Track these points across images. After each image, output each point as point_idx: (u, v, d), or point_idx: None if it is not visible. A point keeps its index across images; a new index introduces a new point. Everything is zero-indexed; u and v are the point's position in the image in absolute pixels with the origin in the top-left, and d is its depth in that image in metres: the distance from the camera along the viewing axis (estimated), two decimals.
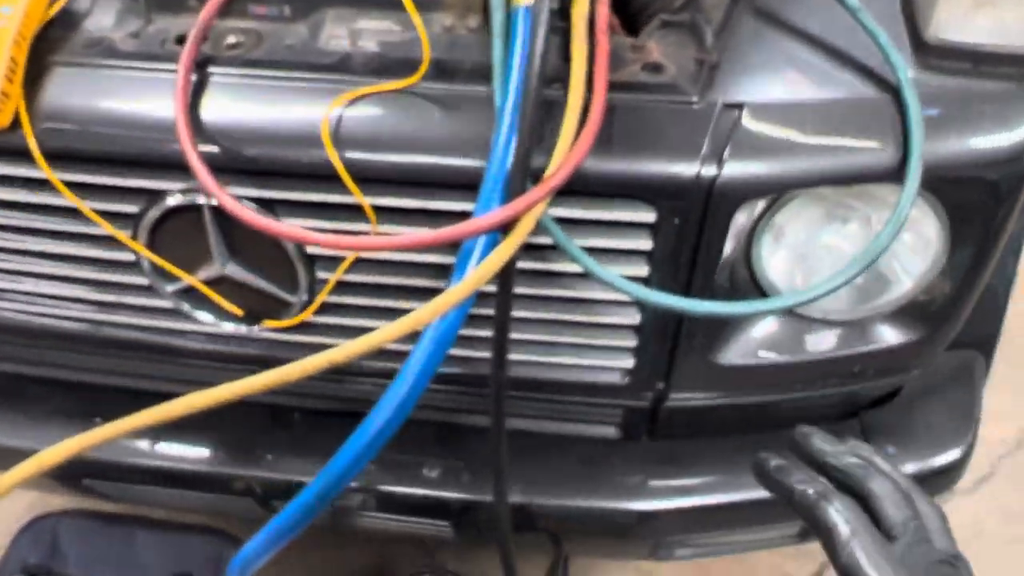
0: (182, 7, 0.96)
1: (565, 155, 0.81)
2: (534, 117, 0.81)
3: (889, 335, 1.02)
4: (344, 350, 0.79)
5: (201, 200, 0.91)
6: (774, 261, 0.96)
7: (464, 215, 0.89)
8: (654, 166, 0.85)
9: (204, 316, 1.01)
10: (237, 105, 0.88)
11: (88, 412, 1.14)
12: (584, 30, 0.86)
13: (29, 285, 1.05)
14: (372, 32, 0.93)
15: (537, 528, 1.14)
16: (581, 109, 0.83)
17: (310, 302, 0.98)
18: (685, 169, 0.84)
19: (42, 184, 0.93)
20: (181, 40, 0.94)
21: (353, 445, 0.83)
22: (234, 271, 0.96)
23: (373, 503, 1.13)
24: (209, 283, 0.98)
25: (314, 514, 0.84)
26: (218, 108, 0.88)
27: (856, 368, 1.05)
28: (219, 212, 0.92)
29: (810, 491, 0.64)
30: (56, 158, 0.90)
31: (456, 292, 0.77)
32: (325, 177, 0.88)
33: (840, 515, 0.62)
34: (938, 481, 1.16)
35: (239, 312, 0.99)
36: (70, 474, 1.17)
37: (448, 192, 0.88)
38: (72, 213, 0.95)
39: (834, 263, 0.95)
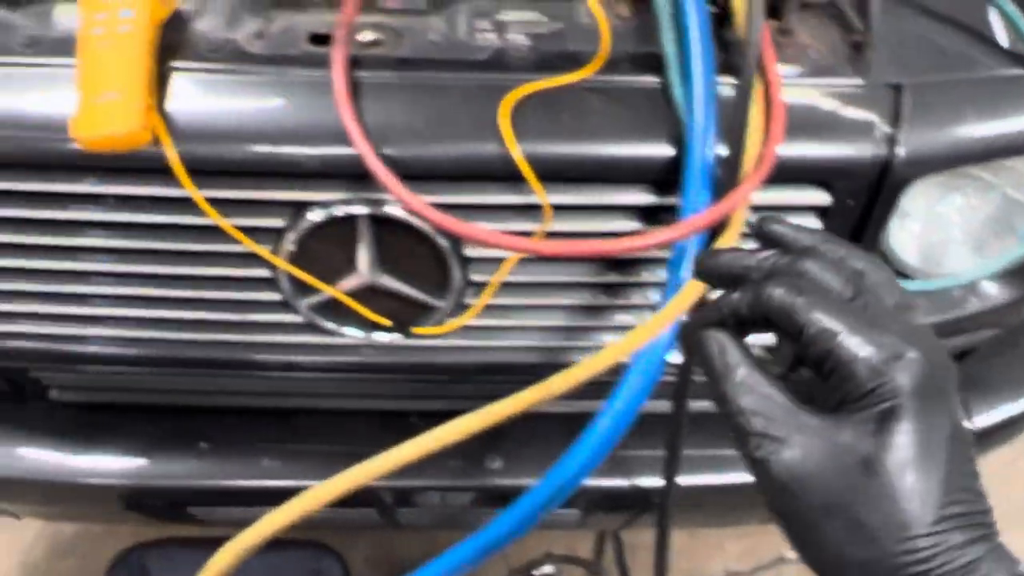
0: (306, 2, 0.90)
1: (761, 145, 0.81)
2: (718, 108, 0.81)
3: (997, 292, 1.08)
4: (562, 380, 0.78)
5: (358, 210, 0.86)
6: (901, 236, 0.99)
7: (644, 210, 0.88)
8: (831, 149, 0.85)
9: (344, 328, 0.96)
10: (401, 108, 0.83)
11: (193, 436, 1.07)
12: (746, 16, 0.86)
13: (145, 310, 0.97)
14: (519, 24, 0.89)
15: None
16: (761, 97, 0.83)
17: (459, 305, 0.95)
18: (861, 151, 0.85)
19: (175, 203, 0.86)
20: (316, 39, 0.88)
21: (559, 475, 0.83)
22: (382, 280, 0.92)
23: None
24: (351, 294, 0.93)
25: (531, 524, 0.82)
26: (382, 112, 0.83)
27: (962, 326, 1.10)
28: (376, 221, 0.87)
29: (745, 293, 0.48)
30: (197, 173, 0.83)
31: (684, 297, 0.77)
32: (494, 177, 0.85)
33: (788, 289, 0.46)
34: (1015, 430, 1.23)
35: (386, 322, 0.94)
36: (176, 503, 1.11)
37: (626, 186, 0.86)
38: (206, 232, 0.88)
39: (956, 234, 0.99)
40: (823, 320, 0.44)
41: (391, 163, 0.81)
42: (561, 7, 0.90)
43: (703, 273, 0.53)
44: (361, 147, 0.80)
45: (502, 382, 1.08)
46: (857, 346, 0.43)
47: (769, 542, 1.90)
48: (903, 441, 0.41)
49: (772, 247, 0.51)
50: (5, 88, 0.84)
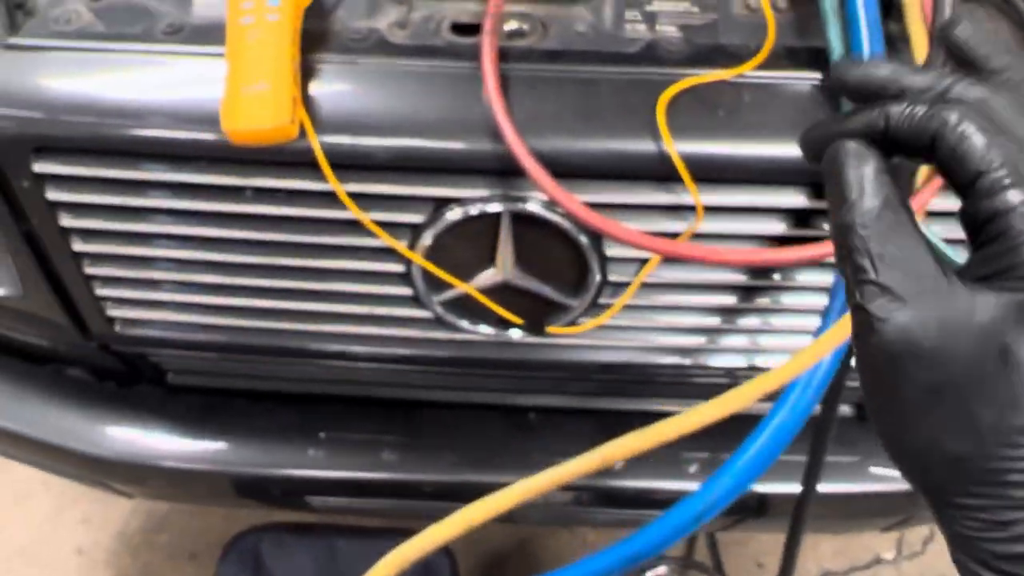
0: None
1: None
2: None
3: None
4: (713, 409, 0.76)
5: (501, 207, 0.84)
6: None
7: (799, 213, 0.84)
8: None
9: (475, 325, 0.95)
10: (550, 102, 0.81)
11: (313, 425, 1.07)
12: (917, 7, 0.81)
13: (275, 301, 0.96)
14: (670, 15, 0.85)
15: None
16: None
17: (593, 304, 0.92)
18: None
19: (313, 196, 0.85)
20: (458, 29, 0.85)
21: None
22: (519, 278, 0.90)
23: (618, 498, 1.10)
24: (485, 291, 0.91)
25: (683, 534, 0.80)
26: (530, 106, 0.80)
27: None
28: (517, 218, 0.85)
29: (915, 107, 0.38)
30: (338, 167, 0.81)
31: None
32: (646, 175, 0.82)
33: (972, 120, 0.37)
34: None
35: (519, 321, 0.92)
36: (294, 491, 1.11)
37: (782, 187, 0.82)
38: (341, 225, 0.87)
39: None
40: (1002, 171, 0.35)
41: (539, 159, 0.79)
42: None
43: (843, 85, 0.42)
44: (513, 142, 0.77)
45: (629, 380, 1.06)
46: None
47: (862, 542, 1.86)
48: None
49: (954, 62, 0.41)
50: (148, 76, 0.83)
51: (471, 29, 0.86)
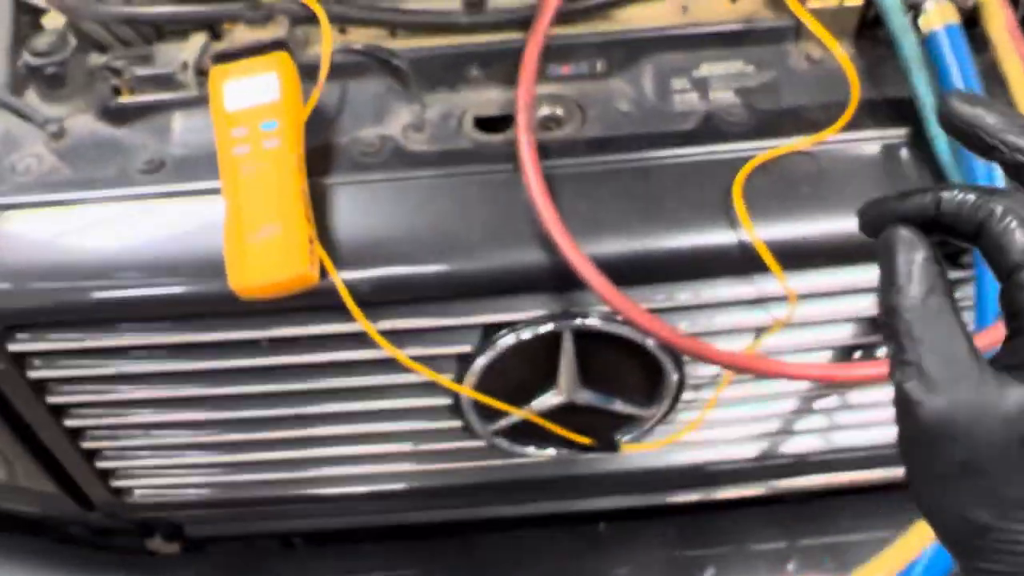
0: (460, 79, 0.76)
1: None
2: None
3: None
4: None
5: (560, 326, 0.72)
6: None
7: None
8: None
9: (536, 450, 0.83)
10: (604, 201, 0.69)
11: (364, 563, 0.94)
12: (1009, 43, 0.71)
13: (307, 450, 0.84)
14: (722, 79, 0.74)
15: None
16: None
17: (667, 413, 0.81)
18: None
19: (345, 338, 0.73)
20: (483, 124, 0.74)
21: None
22: (583, 397, 0.78)
23: None
24: (546, 414, 0.79)
25: None
26: (582, 208, 0.69)
27: None
28: (579, 335, 0.73)
29: (967, 194, 0.39)
30: (367, 305, 0.70)
31: None
32: (723, 269, 0.71)
33: (1016, 215, 0.38)
34: None
35: (586, 440, 0.81)
36: None
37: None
38: (376, 365, 0.75)
39: None
40: None
41: (600, 268, 0.68)
42: (768, 52, 0.75)
43: (953, 123, 0.40)
44: (569, 253, 0.65)
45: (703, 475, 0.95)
46: None
47: None
48: None
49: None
50: (131, 226, 0.71)
51: (498, 123, 0.74)
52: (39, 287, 0.70)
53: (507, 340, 0.72)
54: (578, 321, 0.72)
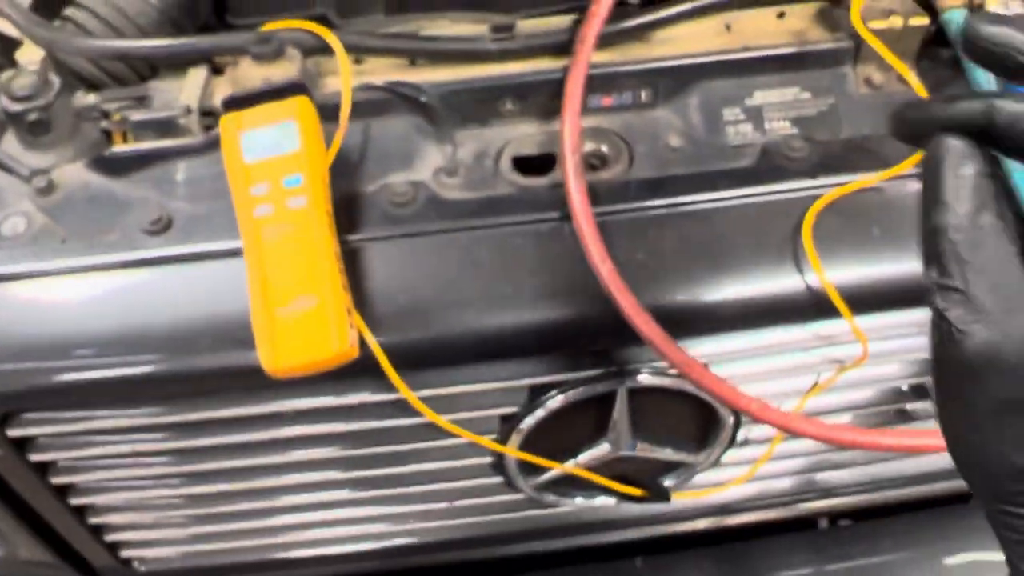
0: (492, 114, 0.69)
1: None
2: None
3: None
4: None
5: (610, 387, 0.67)
6: None
7: None
8: None
9: (579, 500, 0.78)
10: (668, 249, 0.63)
11: None
12: None
13: (332, 511, 0.78)
14: (776, 107, 0.69)
15: None
16: None
17: (719, 458, 0.76)
18: None
19: (379, 406, 0.67)
20: (523, 165, 0.67)
21: None
22: (634, 449, 0.73)
23: None
24: (594, 467, 0.74)
25: None
26: (644, 259, 0.63)
27: None
28: (634, 392, 0.68)
29: (1009, 102, 0.35)
30: (405, 369, 0.64)
31: None
32: (790, 315, 0.66)
33: None
34: None
35: (635, 491, 0.76)
36: None
37: None
38: (413, 430, 0.69)
39: None
40: None
41: (660, 322, 0.62)
42: (825, 77, 0.69)
43: (976, 47, 0.36)
44: (631, 312, 0.59)
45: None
46: None
47: None
48: None
49: None
50: (137, 296, 0.63)
51: (539, 163, 0.68)
52: (37, 366, 0.63)
53: (555, 402, 0.67)
54: (634, 379, 0.67)
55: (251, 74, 0.67)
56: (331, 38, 0.68)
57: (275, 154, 0.62)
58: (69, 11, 0.78)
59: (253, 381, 0.61)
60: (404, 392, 0.63)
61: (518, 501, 0.78)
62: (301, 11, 0.81)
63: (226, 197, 0.65)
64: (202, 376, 0.62)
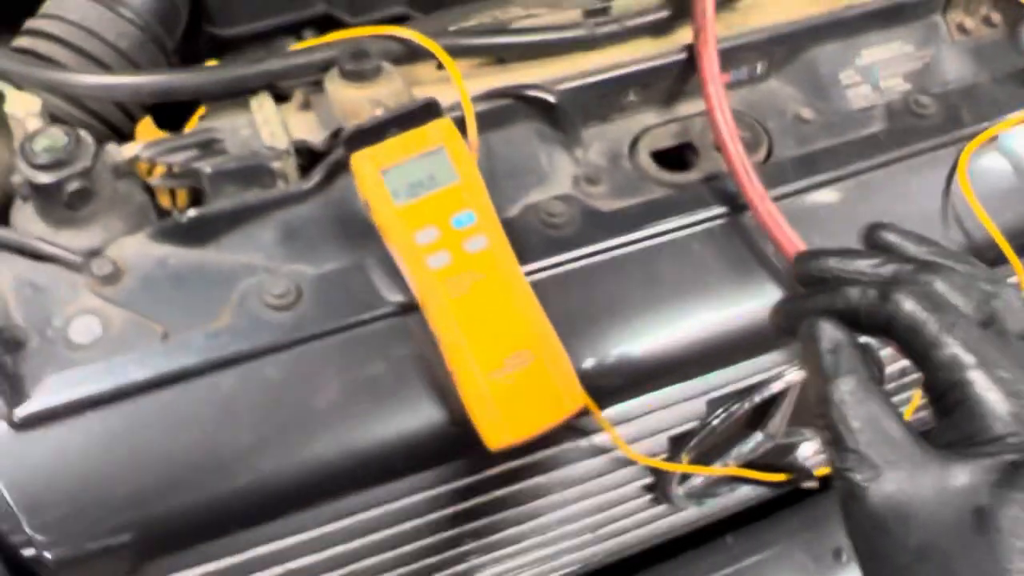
0: (614, 108, 0.62)
1: None
2: None
3: None
4: None
5: (788, 382, 0.63)
6: None
7: None
8: None
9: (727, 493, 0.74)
10: (839, 229, 0.59)
11: None
12: None
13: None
14: (886, 64, 0.66)
15: None
16: None
17: None
18: None
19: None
20: (664, 159, 0.61)
21: None
22: (789, 435, 0.70)
23: None
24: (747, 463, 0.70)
25: None
26: (821, 240, 0.59)
27: None
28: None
29: (868, 291, 0.42)
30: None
31: None
32: None
33: (919, 301, 0.41)
34: None
35: (787, 477, 0.73)
36: None
37: None
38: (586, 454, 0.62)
39: None
40: (956, 346, 0.39)
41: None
42: (920, 28, 0.68)
43: (803, 275, 0.48)
44: None
45: None
46: (992, 385, 0.39)
47: None
48: (1020, 498, 0.36)
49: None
50: (295, 386, 0.50)
51: (681, 155, 0.62)
52: (186, 499, 0.49)
53: (733, 409, 0.63)
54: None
55: (345, 97, 0.56)
56: (431, 44, 0.58)
57: (431, 191, 0.51)
58: (23, 41, 0.63)
59: (471, 457, 0.52)
60: (610, 433, 0.56)
61: (662, 510, 0.73)
62: (297, 11, 0.70)
63: (354, 250, 0.55)
64: (395, 465, 0.52)
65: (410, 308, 0.53)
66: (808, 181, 0.61)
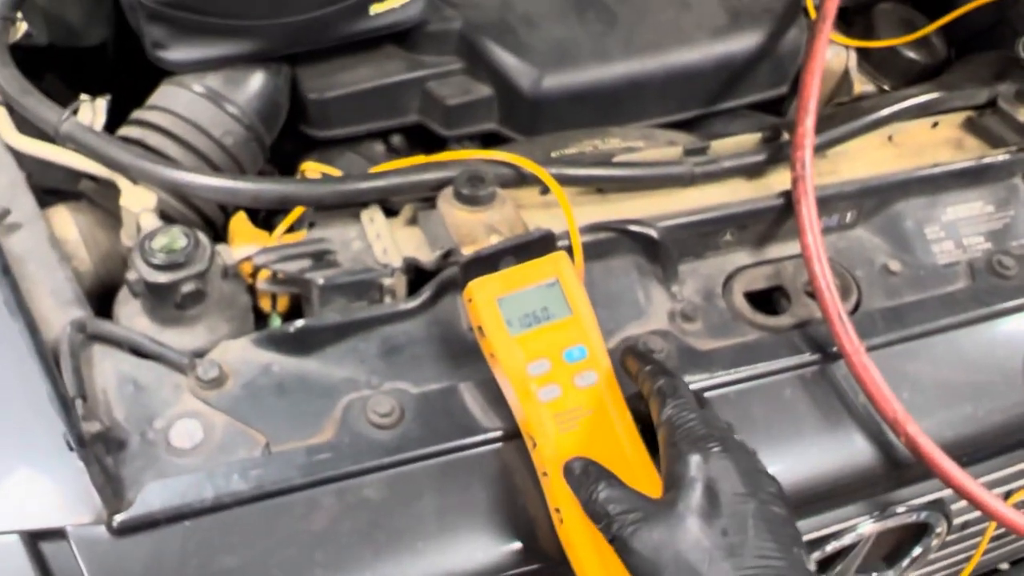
0: (710, 246, 0.63)
1: None
2: None
3: None
4: None
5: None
6: None
7: None
8: None
9: None
10: (927, 383, 0.60)
11: None
12: None
13: None
14: (968, 222, 0.68)
15: None
16: None
17: None
18: None
19: None
20: (761, 302, 0.62)
21: None
22: None
23: None
24: None
25: None
26: (908, 396, 0.59)
27: None
28: None
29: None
30: None
31: None
32: None
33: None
34: None
35: None
36: None
37: None
38: None
39: None
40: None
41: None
42: (1000, 188, 0.70)
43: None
44: (930, 452, 0.56)
45: None
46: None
47: None
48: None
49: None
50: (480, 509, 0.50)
51: (772, 297, 0.63)
52: None
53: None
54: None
55: (460, 220, 0.57)
56: (544, 175, 0.59)
57: (544, 323, 0.52)
58: (132, 131, 0.64)
59: None
60: None
61: None
62: (391, 119, 0.72)
63: (454, 371, 0.55)
64: None
65: (510, 436, 0.53)
66: (898, 334, 0.62)
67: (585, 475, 0.49)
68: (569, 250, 0.57)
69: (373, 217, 0.58)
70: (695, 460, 0.47)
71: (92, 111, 0.61)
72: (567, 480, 0.49)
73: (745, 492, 0.47)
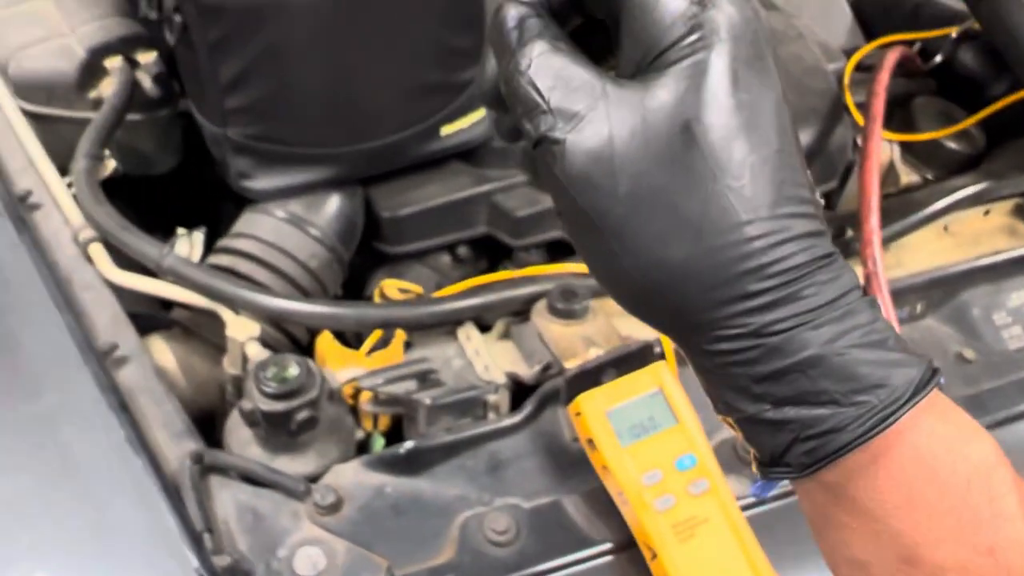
0: None
1: None
2: None
3: None
4: None
5: None
6: None
7: None
8: None
9: None
10: None
11: None
12: None
13: None
14: None
15: None
16: None
17: None
18: None
19: None
20: None
21: None
22: None
23: None
24: None
25: None
26: None
27: None
28: None
29: None
30: None
31: None
32: None
33: None
34: None
35: None
36: None
37: None
38: None
39: None
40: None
41: None
42: None
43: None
44: None
45: None
46: None
47: None
48: (725, 102, 0.32)
49: None
50: None
51: None
52: None
53: None
54: None
55: (557, 334, 0.59)
56: None
57: (652, 433, 0.53)
58: (222, 259, 0.66)
59: None
60: None
61: None
62: (461, 232, 0.74)
63: (561, 483, 0.56)
64: None
65: (624, 547, 0.54)
66: (981, 422, 0.63)
67: (518, 23, 0.34)
68: (662, 355, 0.59)
69: (470, 335, 0.60)
70: None
71: (189, 244, 0.64)
72: (493, 40, 0.36)
73: None
